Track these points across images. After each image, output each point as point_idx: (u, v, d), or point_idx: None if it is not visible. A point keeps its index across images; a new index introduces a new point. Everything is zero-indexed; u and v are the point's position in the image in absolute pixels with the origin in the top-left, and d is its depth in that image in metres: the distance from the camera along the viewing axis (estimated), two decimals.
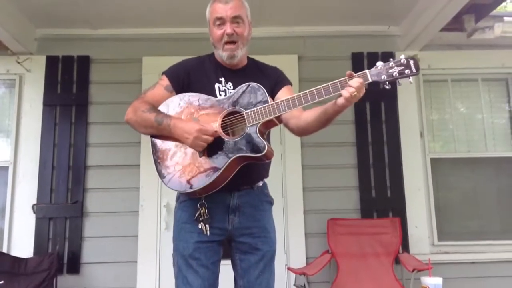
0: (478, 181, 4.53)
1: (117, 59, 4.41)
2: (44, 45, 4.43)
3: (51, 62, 4.37)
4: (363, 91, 1.89)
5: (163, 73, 2.26)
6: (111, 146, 4.23)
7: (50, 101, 4.30)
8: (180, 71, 2.25)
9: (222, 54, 2.20)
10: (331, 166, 4.29)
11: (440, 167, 4.46)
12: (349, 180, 4.29)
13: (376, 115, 4.39)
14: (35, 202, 4.12)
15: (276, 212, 4.15)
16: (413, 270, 3.55)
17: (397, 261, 3.91)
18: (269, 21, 4.37)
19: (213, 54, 2.29)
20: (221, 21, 2.17)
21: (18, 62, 4.35)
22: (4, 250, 4.03)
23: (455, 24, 4.19)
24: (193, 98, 2.14)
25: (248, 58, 2.34)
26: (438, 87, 4.66)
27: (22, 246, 4.05)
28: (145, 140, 4.12)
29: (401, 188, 4.27)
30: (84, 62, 4.39)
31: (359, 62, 4.43)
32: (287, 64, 4.31)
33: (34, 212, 4.10)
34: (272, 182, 4.18)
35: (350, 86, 1.86)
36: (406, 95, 4.43)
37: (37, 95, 4.31)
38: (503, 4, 4.91)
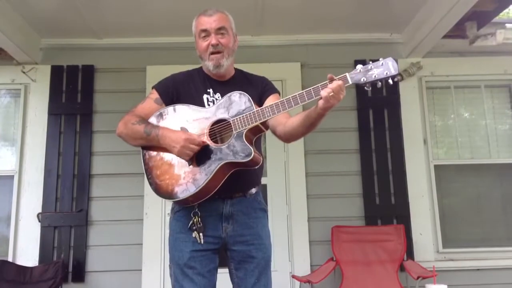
0: (482, 187, 4.52)
1: (121, 68, 4.45)
2: (49, 55, 4.47)
3: (56, 72, 4.41)
4: (343, 93, 1.91)
5: (153, 87, 2.32)
6: (116, 154, 4.24)
7: (55, 110, 4.34)
8: (169, 84, 2.30)
9: (208, 64, 2.24)
10: (335, 173, 4.29)
11: (444, 174, 4.45)
12: (353, 187, 4.29)
13: (379, 122, 4.40)
14: (40, 210, 4.13)
15: (280, 219, 4.20)
16: (418, 277, 3.54)
17: (401, 268, 3.90)
18: (272, 30, 4.40)
19: (201, 67, 2.35)
20: (206, 33, 2.21)
21: (24, 72, 4.39)
22: (10, 259, 4.05)
23: (457, 31, 4.20)
24: (182, 108, 2.19)
25: (236, 69, 2.39)
26: (441, 94, 4.67)
27: (27, 254, 4.07)
28: None
29: (405, 195, 4.27)
30: (89, 71, 4.43)
31: None
32: (290, 72, 4.39)
33: (39, 221, 4.12)
34: (276, 190, 4.25)
35: (328, 87, 1.90)
36: (409, 102, 4.45)
37: (42, 104, 4.35)
38: (505, 11, 4.92)
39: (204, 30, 2.22)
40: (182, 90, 2.26)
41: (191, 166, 2.07)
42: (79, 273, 4.05)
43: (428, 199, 4.31)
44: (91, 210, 4.18)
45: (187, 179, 2.06)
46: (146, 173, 2.18)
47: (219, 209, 2.16)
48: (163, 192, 2.12)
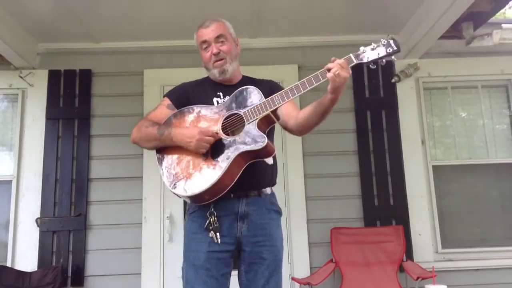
0: (480, 187, 4.53)
1: (118, 72, 4.44)
2: (47, 60, 4.47)
3: (53, 76, 4.41)
4: (348, 71, 1.96)
5: (164, 95, 2.40)
6: (114, 158, 4.25)
7: (52, 115, 4.33)
8: (180, 91, 2.40)
9: (214, 72, 2.33)
10: (333, 175, 4.30)
11: (442, 174, 4.46)
12: (352, 188, 4.29)
13: (377, 123, 4.40)
14: (38, 215, 4.12)
15: None
16: (417, 278, 3.54)
17: (401, 269, 3.90)
18: (268, 32, 4.40)
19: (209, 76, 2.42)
20: (206, 43, 2.32)
21: (21, 77, 4.38)
22: (8, 264, 4.03)
23: (454, 32, 4.22)
24: (194, 107, 2.26)
25: (243, 75, 2.46)
26: (439, 94, 4.68)
27: (26, 259, 4.06)
28: (148, 152, 4.14)
29: (403, 196, 4.27)
30: (86, 75, 4.42)
31: (360, 70, 4.44)
32: (287, 74, 4.38)
33: (38, 226, 4.10)
34: (275, 192, 4.23)
35: (332, 67, 1.95)
36: (407, 103, 4.45)
37: (39, 109, 4.34)
38: (501, 11, 4.94)
39: (204, 42, 2.32)
40: (193, 95, 2.33)
41: (206, 162, 2.09)
42: (78, 278, 4.03)
43: (427, 199, 4.32)
44: (89, 215, 4.17)
45: (202, 174, 2.08)
46: (162, 175, 2.18)
47: (234, 208, 2.19)
48: (180, 190, 2.11)
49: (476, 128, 4.66)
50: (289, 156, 4.28)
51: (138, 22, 4.12)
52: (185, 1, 3.81)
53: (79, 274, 4.04)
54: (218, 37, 2.31)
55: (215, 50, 2.28)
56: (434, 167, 4.43)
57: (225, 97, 2.28)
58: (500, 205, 4.52)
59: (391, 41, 1.99)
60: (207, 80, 2.41)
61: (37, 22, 4.08)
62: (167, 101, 2.34)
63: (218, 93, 2.31)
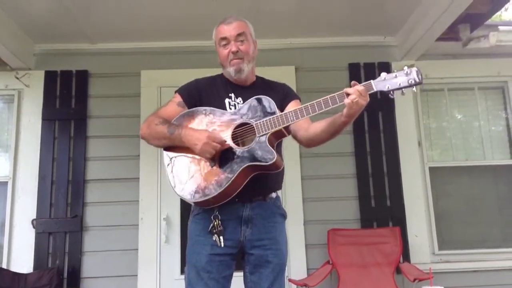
0: (477, 189, 4.53)
1: (115, 73, 4.43)
2: (43, 60, 4.45)
3: (50, 77, 4.39)
4: (366, 99, 1.96)
5: (175, 91, 2.36)
6: (110, 159, 4.23)
7: (49, 116, 4.31)
8: (191, 88, 2.35)
9: (230, 70, 2.29)
10: (330, 176, 4.29)
11: (439, 176, 4.46)
12: (349, 190, 4.29)
13: (374, 124, 4.41)
14: (34, 217, 4.10)
15: None
16: (414, 279, 3.54)
17: (398, 270, 3.90)
18: (266, 33, 4.38)
19: (223, 73, 2.39)
20: (226, 41, 2.27)
21: (17, 78, 4.36)
22: (4, 266, 4.01)
23: (451, 33, 4.22)
24: (206, 111, 2.22)
25: (257, 76, 2.44)
26: (435, 96, 4.69)
27: (22, 261, 4.03)
28: (145, 153, 4.15)
29: (400, 197, 4.27)
30: (83, 76, 4.41)
31: (356, 72, 4.45)
32: (284, 76, 4.37)
33: (34, 227, 4.08)
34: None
35: (351, 93, 1.93)
36: (404, 105, 4.45)
37: (36, 110, 4.32)
38: (498, 13, 4.95)
39: (224, 38, 2.28)
40: (205, 94, 2.30)
41: (214, 168, 2.09)
42: (74, 280, 4.02)
43: (424, 201, 4.32)
44: (86, 216, 4.15)
45: (209, 180, 2.07)
46: (169, 176, 2.17)
47: (238, 212, 2.18)
48: (186, 193, 2.11)
49: (473, 130, 4.67)
50: (286, 158, 4.21)
51: (135, 23, 4.11)
52: (183, 2, 3.80)
53: (75, 276, 4.02)
54: (239, 35, 2.27)
55: (234, 48, 2.25)
56: (430, 168, 4.44)
57: (237, 98, 2.27)
58: (497, 206, 4.53)
59: (414, 72, 1.94)
60: (220, 78, 2.38)
61: (34, 23, 4.07)
62: (178, 98, 2.30)
63: (230, 94, 2.29)
